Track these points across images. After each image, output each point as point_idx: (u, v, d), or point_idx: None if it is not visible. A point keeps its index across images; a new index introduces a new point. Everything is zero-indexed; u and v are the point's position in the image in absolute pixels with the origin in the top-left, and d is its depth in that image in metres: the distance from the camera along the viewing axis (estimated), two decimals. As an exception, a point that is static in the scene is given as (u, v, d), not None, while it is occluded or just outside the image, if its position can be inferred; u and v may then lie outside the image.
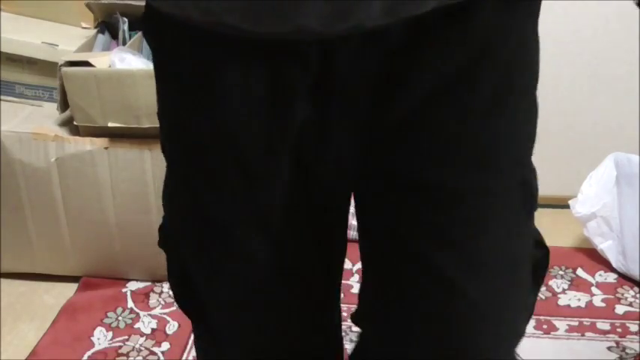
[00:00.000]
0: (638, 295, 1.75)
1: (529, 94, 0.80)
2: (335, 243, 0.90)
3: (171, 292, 1.72)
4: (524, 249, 0.83)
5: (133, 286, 1.76)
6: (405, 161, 0.77)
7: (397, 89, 0.74)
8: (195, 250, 0.86)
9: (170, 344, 1.59)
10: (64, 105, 1.61)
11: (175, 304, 1.74)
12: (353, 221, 0.92)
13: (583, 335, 1.63)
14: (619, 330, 1.64)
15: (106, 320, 1.65)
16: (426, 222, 0.77)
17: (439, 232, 0.77)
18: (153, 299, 1.72)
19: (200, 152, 0.79)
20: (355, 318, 0.90)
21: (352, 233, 1.06)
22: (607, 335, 1.62)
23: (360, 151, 0.78)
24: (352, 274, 1.80)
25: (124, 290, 1.74)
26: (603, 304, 1.72)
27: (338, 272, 0.93)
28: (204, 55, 0.73)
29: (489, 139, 0.76)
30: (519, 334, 0.86)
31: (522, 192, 0.80)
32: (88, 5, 1.70)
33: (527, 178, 0.81)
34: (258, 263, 0.84)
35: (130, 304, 1.70)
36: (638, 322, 1.66)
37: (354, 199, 0.86)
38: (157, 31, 0.78)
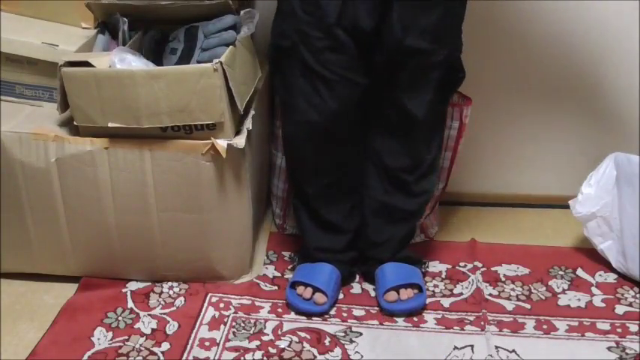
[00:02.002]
0: (638, 295, 1.75)
1: None
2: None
3: (170, 292, 1.73)
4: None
5: (133, 286, 1.76)
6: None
7: None
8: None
9: (170, 344, 1.58)
10: (64, 105, 1.61)
11: (178, 295, 1.74)
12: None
13: (583, 335, 1.63)
14: (619, 330, 1.64)
15: (106, 320, 1.65)
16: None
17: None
18: (153, 299, 1.72)
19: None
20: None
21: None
22: (607, 335, 1.62)
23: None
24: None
25: (124, 290, 1.74)
26: (603, 305, 1.72)
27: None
28: None
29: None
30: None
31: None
32: (88, 5, 1.70)
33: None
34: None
35: (130, 304, 1.70)
36: (638, 322, 1.66)
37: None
38: None
